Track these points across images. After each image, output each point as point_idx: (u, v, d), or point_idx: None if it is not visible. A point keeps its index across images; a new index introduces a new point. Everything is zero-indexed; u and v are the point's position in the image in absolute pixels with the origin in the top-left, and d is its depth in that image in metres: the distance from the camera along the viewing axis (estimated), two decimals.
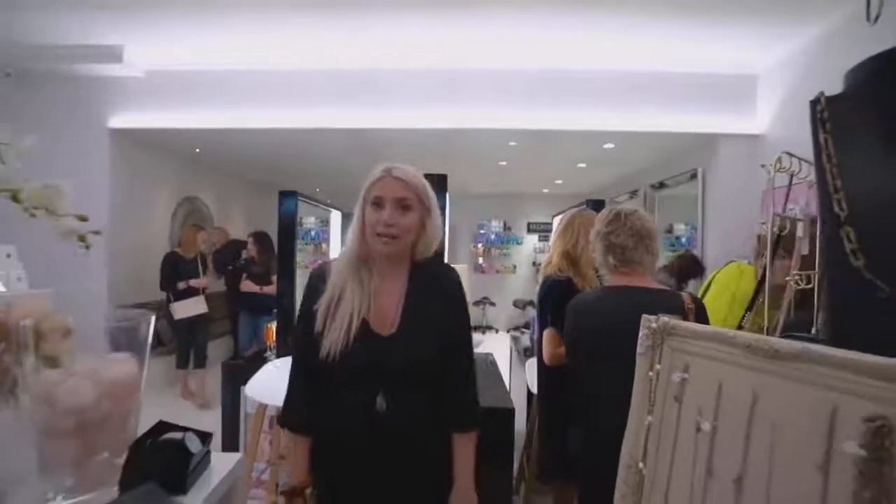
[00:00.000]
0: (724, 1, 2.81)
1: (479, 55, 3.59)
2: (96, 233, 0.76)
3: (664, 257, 5.29)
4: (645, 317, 0.68)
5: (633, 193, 5.78)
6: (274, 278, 3.83)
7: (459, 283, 1.12)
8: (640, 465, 0.65)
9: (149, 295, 4.37)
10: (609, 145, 4.32)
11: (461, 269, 3.19)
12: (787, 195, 0.87)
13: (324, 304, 1.02)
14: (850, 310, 0.51)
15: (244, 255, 4.69)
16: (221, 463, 0.66)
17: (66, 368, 0.56)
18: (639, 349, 0.68)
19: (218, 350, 4.97)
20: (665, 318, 0.66)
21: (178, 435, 0.60)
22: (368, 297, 1.02)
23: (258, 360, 2.52)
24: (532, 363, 2.37)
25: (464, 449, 1.07)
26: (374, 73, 3.86)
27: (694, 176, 4.14)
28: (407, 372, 1.00)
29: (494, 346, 3.77)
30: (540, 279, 1.91)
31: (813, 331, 1.19)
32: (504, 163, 5.36)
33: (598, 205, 2.56)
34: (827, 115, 0.55)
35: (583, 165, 5.34)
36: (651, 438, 0.65)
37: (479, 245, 8.54)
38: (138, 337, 0.61)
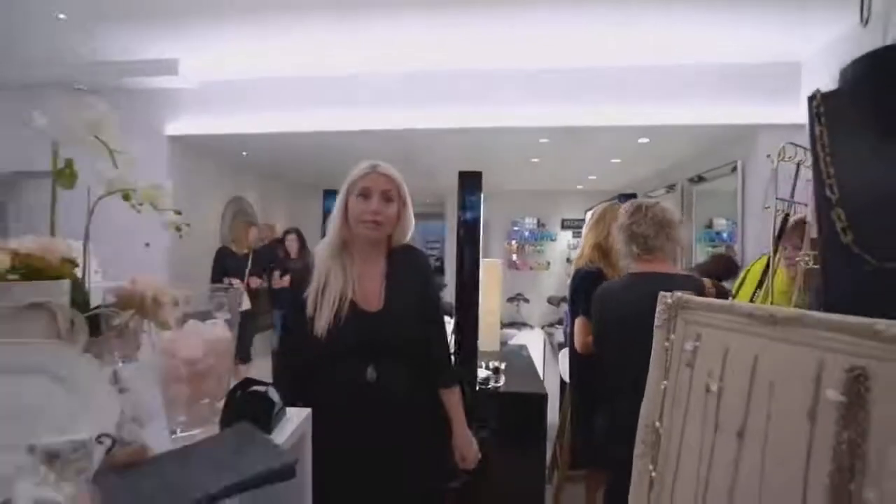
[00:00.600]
0: None
1: (509, 55, 3.66)
2: (187, 224, 0.90)
3: (704, 252, 5.17)
4: (661, 293, 0.75)
5: (671, 188, 5.67)
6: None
7: (429, 264, 1.28)
8: (657, 423, 0.73)
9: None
10: (643, 140, 4.28)
11: (493, 264, 3.25)
12: (794, 183, 0.90)
13: (312, 291, 1.11)
14: (839, 281, 0.57)
15: (279, 253, 4.81)
16: (295, 415, 0.79)
17: (177, 330, 0.70)
18: (656, 322, 0.76)
19: (267, 342, 5.23)
20: (679, 294, 0.73)
21: (262, 388, 0.73)
22: (353, 280, 1.13)
23: None
24: (564, 353, 2.43)
25: (450, 401, 1.21)
26: (408, 75, 4.00)
27: (734, 169, 4.04)
28: (394, 343, 1.12)
29: (529, 341, 3.82)
30: (571, 272, 1.98)
31: None
32: (536, 160, 5.39)
33: (629, 199, 2.59)
34: (822, 109, 0.61)
35: (617, 161, 5.29)
36: (666, 400, 0.73)
37: (514, 242, 8.57)
38: (229, 307, 0.74)
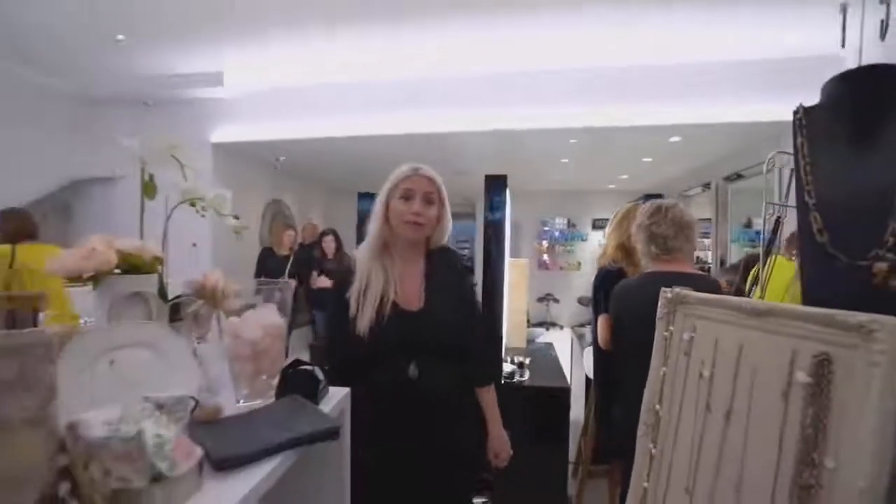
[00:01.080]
0: None
1: (536, 57, 3.71)
2: (245, 227, 1.04)
3: (740, 252, 5.04)
4: (663, 289, 0.83)
5: (706, 186, 5.55)
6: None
7: (465, 265, 1.31)
8: (657, 406, 0.81)
9: None
10: (675, 138, 4.24)
11: (520, 263, 3.32)
12: (788, 188, 0.94)
13: (355, 292, 1.13)
14: (816, 276, 0.63)
15: (317, 253, 4.97)
16: (336, 393, 0.91)
17: (240, 316, 0.84)
18: (658, 314, 0.84)
19: (304, 338, 5.46)
20: (678, 289, 0.81)
21: (309, 367, 0.86)
22: (394, 280, 1.15)
23: None
24: (589, 351, 2.48)
25: (487, 400, 1.24)
26: (439, 80, 4.12)
27: (774, 166, 3.94)
28: (434, 341, 1.13)
29: (557, 340, 3.86)
30: (595, 270, 2.04)
31: None
32: (566, 160, 5.40)
33: (655, 199, 2.61)
34: (804, 122, 0.67)
35: (648, 160, 5.23)
36: (665, 386, 0.80)
37: (544, 242, 8.56)
38: (282, 298, 0.87)
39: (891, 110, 0.61)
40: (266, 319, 0.82)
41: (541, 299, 7.93)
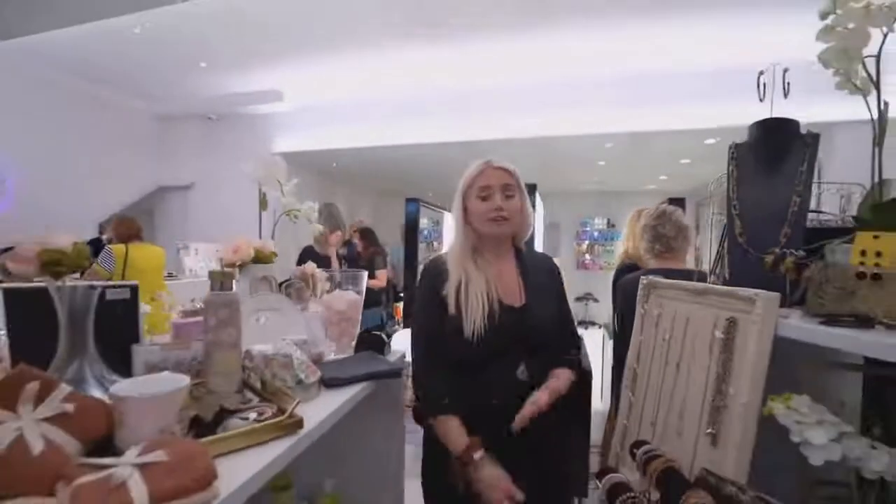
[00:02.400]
0: None
1: (570, 66, 3.92)
2: (322, 231, 1.38)
3: None
4: (641, 277, 1.09)
5: None
6: (378, 273, 3.80)
7: (553, 262, 1.26)
8: (635, 365, 1.07)
9: None
10: (710, 140, 4.31)
11: (560, 263, 3.54)
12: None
13: (453, 288, 1.06)
14: (737, 266, 0.87)
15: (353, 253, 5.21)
16: (396, 352, 1.23)
17: (330, 294, 1.17)
18: (638, 296, 1.10)
19: None
20: (651, 277, 1.07)
21: (377, 332, 1.18)
22: (493, 278, 1.09)
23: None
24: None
25: (559, 374, 1.10)
26: (479, 91, 4.41)
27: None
28: (542, 337, 1.07)
29: (593, 337, 4.05)
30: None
31: None
32: (602, 163, 5.54)
33: (679, 202, 2.78)
34: (735, 154, 0.92)
35: (686, 161, 5.28)
36: (641, 350, 1.06)
37: (584, 243, 8.65)
38: (356, 282, 1.20)
39: (789, 150, 0.85)
40: (348, 296, 1.16)
41: (579, 299, 8.04)
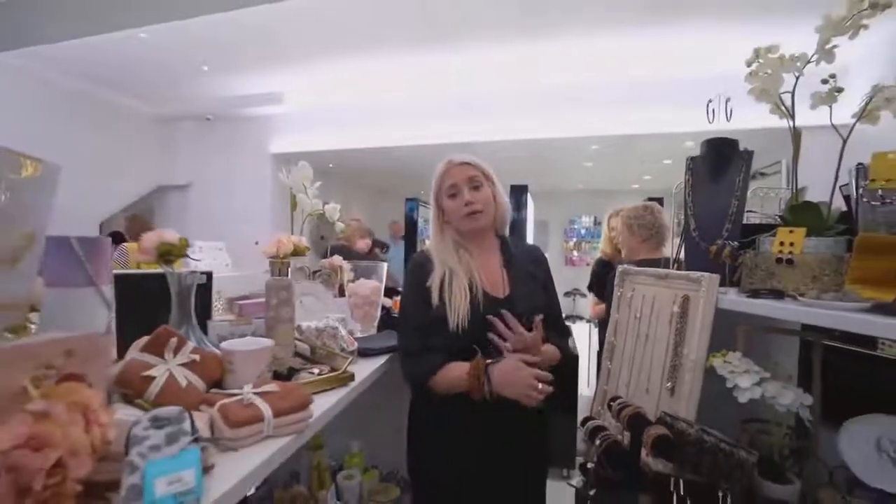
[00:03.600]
0: None
1: (557, 73, 4.14)
2: (342, 231, 1.57)
3: None
4: (617, 265, 1.31)
5: None
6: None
7: (540, 251, 1.29)
8: (612, 339, 1.29)
9: None
10: (689, 143, 4.57)
11: (549, 259, 3.77)
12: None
13: (437, 281, 1.08)
14: (691, 256, 1.10)
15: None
16: None
17: (355, 282, 1.37)
18: (616, 281, 1.32)
19: None
20: (625, 266, 1.29)
21: (396, 314, 1.38)
22: (477, 269, 1.11)
23: None
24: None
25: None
26: (473, 94, 4.62)
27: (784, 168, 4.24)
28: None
29: (580, 330, 4.29)
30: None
31: None
32: (590, 164, 5.80)
33: (658, 201, 3.03)
34: (691, 165, 1.14)
35: (668, 162, 5.56)
36: (618, 326, 1.28)
37: (572, 240, 8.93)
38: (377, 272, 1.41)
39: (729, 164, 1.08)
40: (371, 284, 1.35)
41: (567, 294, 8.31)
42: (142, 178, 5.47)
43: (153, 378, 0.65)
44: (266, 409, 0.64)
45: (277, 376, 0.84)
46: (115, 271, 0.87)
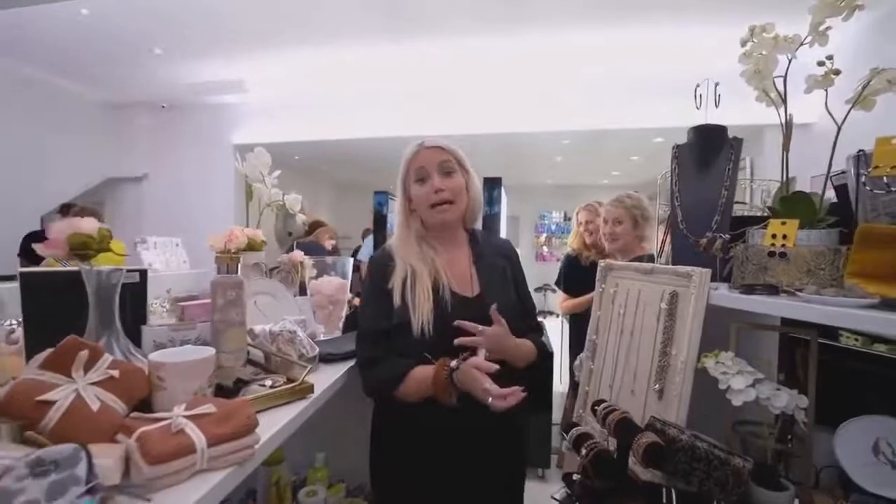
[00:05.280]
0: None
1: (528, 67, 4.09)
2: (307, 223, 1.45)
3: None
4: (599, 260, 1.24)
5: None
6: None
7: (511, 246, 1.20)
8: (594, 336, 1.22)
9: None
10: (658, 139, 4.63)
11: (520, 254, 3.73)
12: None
13: (398, 282, 0.99)
14: (678, 250, 1.04)
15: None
16: None
17: (318, 279, 1.25)
18: (597, 277, 1.25)
19: None
20: (609, 261, 1.22)
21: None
22: (443, 267, 1.02)
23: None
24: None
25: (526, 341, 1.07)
26: (442, 85, 4.51)
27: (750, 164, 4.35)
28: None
29: (551, 325, 4.28)
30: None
31: None
32: (560, 158, 5.80)
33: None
34: (677, 154, 1.08)
35: (636, 158, 5.63)
36: (600, 322, 1.21)
37: (542, 235, 8.98)
38: (343, 268, 1.29)
39: (718, 152, 1.02)
40: (336, 282, 1.24)
41: (538, 289, 8.34)
42: (88, 170, 5.08)
43: (52, 403, 0.52)
44: (199, 436, 0.52)
45: (221, 391, 0.72)
46: (21, 269, 0.73)
